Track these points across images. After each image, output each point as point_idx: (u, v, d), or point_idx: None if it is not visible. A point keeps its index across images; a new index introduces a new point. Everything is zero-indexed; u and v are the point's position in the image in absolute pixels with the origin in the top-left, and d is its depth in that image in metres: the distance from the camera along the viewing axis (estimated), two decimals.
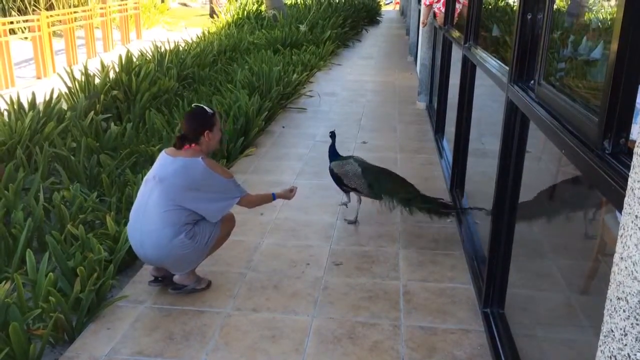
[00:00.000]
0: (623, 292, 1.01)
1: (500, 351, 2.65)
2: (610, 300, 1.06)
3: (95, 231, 3.60)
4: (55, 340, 2.81)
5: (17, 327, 2.54)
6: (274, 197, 3.40)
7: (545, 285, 2.83)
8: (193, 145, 3.05)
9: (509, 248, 2.81)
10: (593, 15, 2.60)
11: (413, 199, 3.90)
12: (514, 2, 3.67)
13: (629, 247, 1.00)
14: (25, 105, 5.97)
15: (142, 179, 4.12)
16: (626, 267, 1.01)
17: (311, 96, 8.45)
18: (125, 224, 3.59)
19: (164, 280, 3.26)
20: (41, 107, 5.83)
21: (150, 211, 2.98)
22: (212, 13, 21.48)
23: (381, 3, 26.82)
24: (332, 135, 4.21)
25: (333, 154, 4.17)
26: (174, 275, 3.18)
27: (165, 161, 3.05)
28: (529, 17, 2.57)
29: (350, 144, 6.10)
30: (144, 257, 3.12)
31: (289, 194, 3.53)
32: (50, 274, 2.93)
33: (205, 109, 3.12)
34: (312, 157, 5.73)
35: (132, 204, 3.87)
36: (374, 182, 3.97)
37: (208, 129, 3.06)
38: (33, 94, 6.23)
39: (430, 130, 6.75)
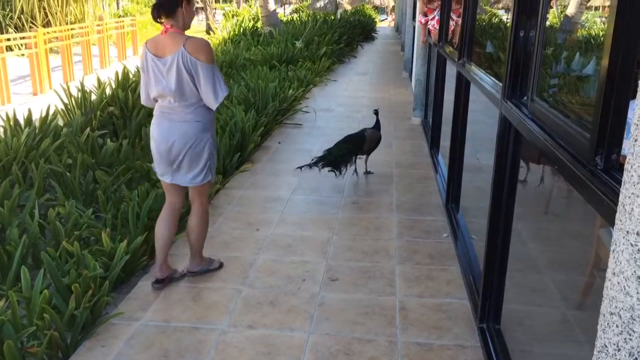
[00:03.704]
0: (616, 307, 1.02)
1: None
2: (604, 315, 1.07)
3: (90, 248, 3.59)
4: (49, 358, 2.78)
5: (11, 345, 2.52)
6: None
7: (541, 300, 2.83)
8: (170, 25, 3.07)
9: (504, 263, 2.81)
10: (585, 32, 2.64)
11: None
12: (507, 19, 3.71)
13: (620, 263, 1.01)
14: (21, 122, 5.98)
15: (138, 196, 4.14)
16: (618, 283, 1.01)
17: (307, 112, 8.48)
18: (121, 240, 3.59)
19: (165, 281, 3.43)
20: (37, 124, 5.84)
21: (177, 111, 3.17)
22: (209, 29, 21.65)
23: (376, 19, 27.07)
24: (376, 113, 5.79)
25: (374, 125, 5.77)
26: (188, 265, 3.55)
27: (158, 67, 3.10)
28: (521, 34, 2.60)
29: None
30: (167, 150, 3.21)
31: None
32: (45, 291, 2.91)
33: None
34: (309, 172, 5.73)
35: (127, 220, 3.89)
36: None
37: (185, 0, 3.09)
38: (29, 110, 6.24)
39: (426, 146, 6.78)
